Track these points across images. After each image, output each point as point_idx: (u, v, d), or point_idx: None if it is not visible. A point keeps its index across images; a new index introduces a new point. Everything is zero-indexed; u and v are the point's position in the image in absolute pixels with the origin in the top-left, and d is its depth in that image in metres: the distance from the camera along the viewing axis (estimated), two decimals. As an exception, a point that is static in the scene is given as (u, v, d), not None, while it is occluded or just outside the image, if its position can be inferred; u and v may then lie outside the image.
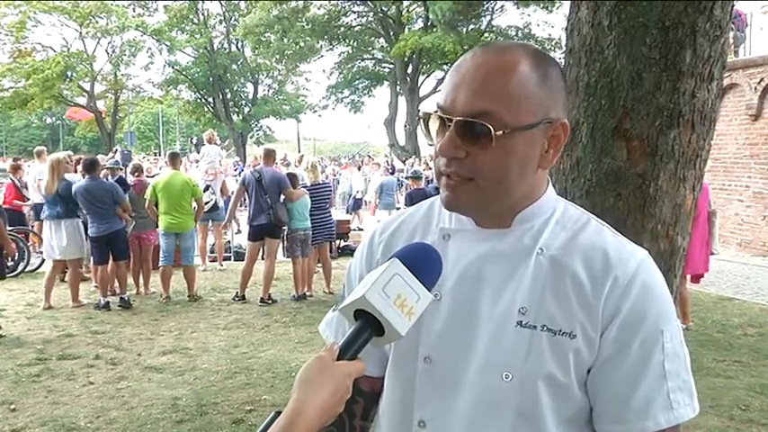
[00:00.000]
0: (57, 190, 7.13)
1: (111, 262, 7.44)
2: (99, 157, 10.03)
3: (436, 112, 0.97)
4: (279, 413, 0.88)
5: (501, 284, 0.99)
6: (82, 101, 34.91)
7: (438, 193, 1.05)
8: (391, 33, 29.16)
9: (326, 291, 8.21)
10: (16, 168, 10.37)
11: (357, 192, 17.48)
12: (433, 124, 0.99)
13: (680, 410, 0.96)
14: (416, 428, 1.03)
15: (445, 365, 1.01)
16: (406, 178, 10.06)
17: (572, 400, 0.97)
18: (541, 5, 26.81)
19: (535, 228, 1.01)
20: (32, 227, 10.15)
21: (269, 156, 7.95)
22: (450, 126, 0.93)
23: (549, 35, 28.31)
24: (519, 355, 0.95)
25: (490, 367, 0.97)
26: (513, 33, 28.68)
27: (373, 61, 32.94)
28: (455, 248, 1.04)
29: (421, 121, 1.01)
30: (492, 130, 0.91)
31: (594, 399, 0.98)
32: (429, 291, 0.95)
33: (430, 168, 19.62)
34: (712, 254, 6.43)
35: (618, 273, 0.96)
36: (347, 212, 15.89)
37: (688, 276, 6.28)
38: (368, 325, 0.92)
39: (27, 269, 9.29)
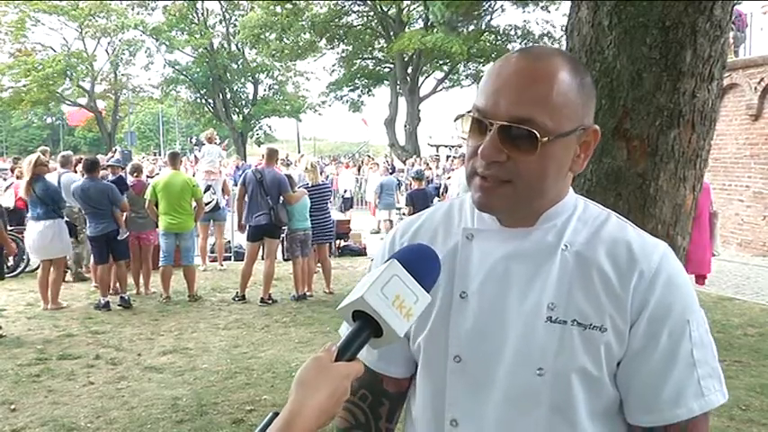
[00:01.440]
0: (34, 191, 7.10)
1: (111, 262, 7.43)
2: (98, 157, 10.01)
3: (469, 112, 0.99)
4: (276, 414, 0.88)
5: (528, 282, 1.00)
6: (82, 101, 34.92)
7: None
8: (391, 33, 29.15)
9: (326, 291, 8.21)
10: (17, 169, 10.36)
11: (345, 191, 17.46)
12: (467, 125, 1.00)
13: (711, 397, 0.98)
14: (449, 427, 1.04)
15: (475, 364, 1.02)
16: (414, 179, 10.07)
17: (604, 393, 0.99)
18: (540, 5, 26.82)
19: (558, 226, 1.03)
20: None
21: (272, 156, 7.92)
22: (491, 130, 0.94)
23: (548, 32, 28.33)
24: (551, 350, 0.97)
25: (522, 363, 0.98)
26: (513, 33, 28.69)
27: (373, 61, 32.93)
28: (479, 248, 1.05)
29: (458, 121, 1.03)
30: (539, 136, 0.92)
31: (626, 390, 0.99)
32: (427, 292, 0.95)
33: (430, 168, 19.64)
34: (713, 255, 6.43)
35: (643, 266, 0.98)
36: (340, 211, 15.88)
37: (693, 277, 6.28)
38: (366, 326, 0.92)
39: (27, 269, 9.29)
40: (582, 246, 1.01)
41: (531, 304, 0.99)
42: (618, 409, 1.01)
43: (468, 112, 0.99)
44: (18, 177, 10.00)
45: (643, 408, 0.98)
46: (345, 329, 1.15)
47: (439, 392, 1.05)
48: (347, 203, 16.96)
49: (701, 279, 6.39)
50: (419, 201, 9.02)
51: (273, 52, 29.56)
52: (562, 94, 0.95)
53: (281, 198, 7.44)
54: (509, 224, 1.03)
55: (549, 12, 27.71)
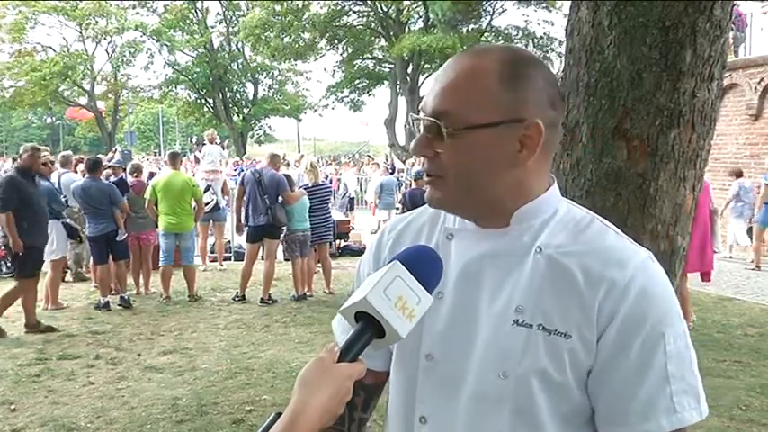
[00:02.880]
0: None
1: (111, 262, 7.43)
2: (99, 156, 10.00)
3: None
4: (279, 414, 0.89)
5: (499, 283, 0.99)
6: (82, 101, 34.93)
7: None
8: (391, 33, 29.16)
9: (326, 291, 8.21)
10: None
11: (347, 192, 17.39)
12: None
13: (684, 414, 0.94)
14: (418, 425, 1.04)
15: (446, 363, 1.02)
16: (414, 179, 10.05)
17: (569, 399, 0.97)
18: (543, 4, 26.82)
19: (535, 227, 1.01)
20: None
21: (274, 161, 7.93)
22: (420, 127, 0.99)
23: (548, 33, 28.34)
24: (515, 354, 0.96)
25: (488, 365, 0.98)
26: (514, 33, 28.69)
27: (373, 61, 32.92)
28: (457, 248, 1.05)
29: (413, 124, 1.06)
30: (442, 127, 0.95)
31: (596, 401, 0.97)
32: (430, 293, 0.95)
33: (430, 168, 19.54)
34: (715, 252, 6.45)
35: (615, 275, 0.94)
36: (343, 213, 15.84)
37: (697, 275, 6.30)
38: (369, 327, 0.92)
39: (27, 269, 9.27)
40: (555, 249, 0.98)
41: (500, 306, 0.98)
42: (588, 419, 0.99)
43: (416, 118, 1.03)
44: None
45: (612, 420, 0.96)
46: (338, 323, 1.17)
47: (410, 389, 1.06)
48: (351, 204, 16.89)
49: (705, 276, 6.39)
50: (416, 200, 9.00)
51: (274, 52, 29.56)
52: (482, 86, 0.94)
53: (280, 198, 7.44)
54: (484, 224, 1.03)
55: (551, 11, 27.66)
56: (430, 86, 1.00)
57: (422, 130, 0.98)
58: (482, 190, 0.98)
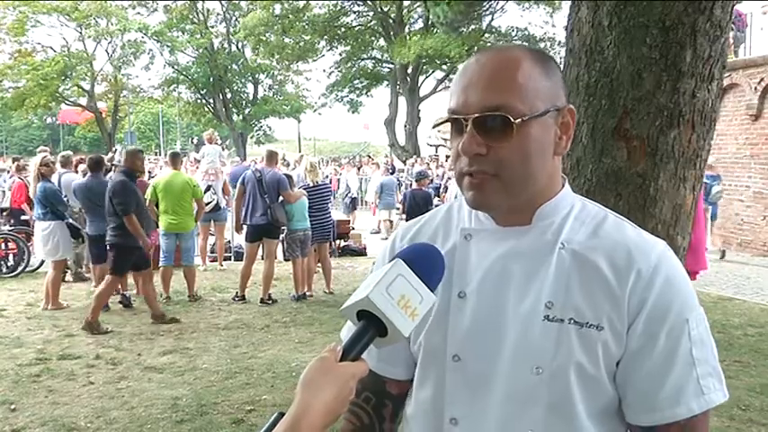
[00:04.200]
0: (36, 192, 7.27)
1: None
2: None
3: (447, 120, 1.00)
4: (282, 414, 0.88)
5: (526, 280, 1.00)
6: (83, 101, 34.92)
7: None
8: (391, 33, 29.16)
9: (327, 291, 8.21)
10: (21, 168, 10.34)
11: (349, 191, 17.40)
12: (447, 129, 1.02)
13: (711, 395, 0.98)
14: (448, 426, 1.04)
15: (474, 363, 1.02)
16: (416, 180, 10.00)
17: (602, 393, 0.99)
18: (544, 6, 26.83)
19: (555, 224, 1.02)
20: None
21: (271, 158, 7.94)
22: (467, 126, 0.96)
23: (548, 33, 28.35)
24: (548, 349, 0.97)
25: (520, 362, 0.98)
26: (514, 34, 28.69)
27: (373, 61, 32.91)
28: (477, 248, 1.05)
29: (436, 129, 1.04)
30: (511, 119, 0.94)
31: (624, 390, 0.99)
32: (432, 292, 0.95)
33: (429, 168, 19.63)
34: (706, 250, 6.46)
35: (641, 265, 0.97)
36: (345, 213, 15.84)
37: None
38: (371, 325, 0.91)
39: (27, 269, 9.29)
40: (579, 244, 1.01)
41: (529, 303, 0.99)
42: (617, 409, 1.01)
43: (446, 120, 1.01)
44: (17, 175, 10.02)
45: (642, 407, 0.98)
46: (347, 332, 1.15)
47: (438, 391, 1.05)
48: (353, 204, 16.88)
49: (692, 275, 6.37)
50: (417, 200, 9.00)
51: (274, 51, 29.56)
52: (527, 78, 0.96)
53: (280, 198, 7.44)
54: (505, 223, 1.04)
55: (552, 16, 27.70)
56: (461, 87, 0.98)
57: (468, 129, 0.96)
58: (532, 183, 0.99)
